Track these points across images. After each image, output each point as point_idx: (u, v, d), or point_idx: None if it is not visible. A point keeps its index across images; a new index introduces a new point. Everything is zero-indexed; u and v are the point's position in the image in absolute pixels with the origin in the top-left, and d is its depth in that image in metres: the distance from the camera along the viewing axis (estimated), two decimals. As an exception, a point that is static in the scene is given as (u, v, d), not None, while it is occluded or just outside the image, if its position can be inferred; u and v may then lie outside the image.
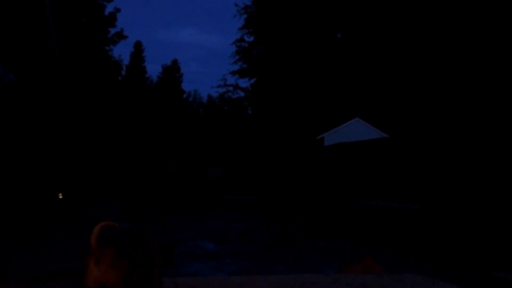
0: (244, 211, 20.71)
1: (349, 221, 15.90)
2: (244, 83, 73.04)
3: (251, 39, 41.48)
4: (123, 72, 49.44)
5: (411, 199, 13.78)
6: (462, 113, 24.18)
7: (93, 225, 1.70)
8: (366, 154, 17.89)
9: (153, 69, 63.54)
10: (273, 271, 8.10)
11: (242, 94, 44.38)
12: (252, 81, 42.49)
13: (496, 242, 9.88)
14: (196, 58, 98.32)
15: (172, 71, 55.86)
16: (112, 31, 36.50)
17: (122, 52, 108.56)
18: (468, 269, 8.44)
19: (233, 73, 42.47)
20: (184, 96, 57.67)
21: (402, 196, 14.50)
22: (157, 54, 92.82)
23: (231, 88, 43.55)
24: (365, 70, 34.72)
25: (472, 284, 7.30)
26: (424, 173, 13.73)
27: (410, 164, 14.67)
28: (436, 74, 27.74)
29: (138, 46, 52.31)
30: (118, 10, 35.36)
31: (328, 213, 17.94)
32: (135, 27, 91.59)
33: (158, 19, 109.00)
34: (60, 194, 15.02)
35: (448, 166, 12.74)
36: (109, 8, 64.38)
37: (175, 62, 56.44)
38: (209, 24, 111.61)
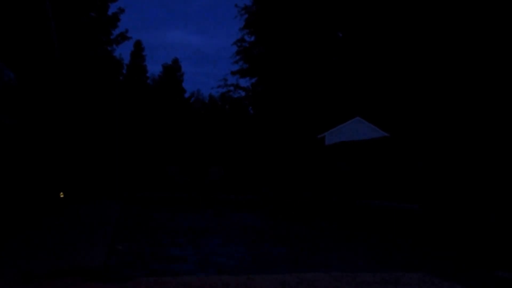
0: (247, 211, 20.64)
1: (350, 221, 15.90)
2: (245, 82, 73.01)
3: (252, 39, 41.45)
4: (124, 71, 49.40)
5: (412, 198, 13.78)
6: (463, 113, 24.18)
7: (88, 226, 1.71)
8: (366, 153, 17.89)
9: (154, 69, 64.12)
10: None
11: (243, 93, 44.32)
12: (253, 80, 42.44)
13: (496, 240, 9.88)
14: (196, 58, 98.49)
15: (173, 70, 55.80)
16: (116, 31, 36.35)
17: (122, 51, 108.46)
18: (469, 268, 8.44)
19: (234, 73, 42.42)
20: (186, 95, 57.58)
21: (403, 195, 14.50)
22: (158, 53, 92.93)
23: (232, 88, 43.49)
24: (366, 69, 34.67)
25: (473, 283, 7.31)
26: (425, 172, 13.73)
27: (411, 163, 14.67)
28: (438, 73, 27.73)
29: (138, 45, 52.29)
30: (122, 10, 35.23)
31: (329, 213, 17.94)
32: (135, 27, 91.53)
33: (158, 19, 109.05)
34: (62, 193, 15.05)
35: (450, 165, 12.74)
36: (112, 9, 64.31)
37: (175, 61, 56.40)
38: (210, 25, 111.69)
